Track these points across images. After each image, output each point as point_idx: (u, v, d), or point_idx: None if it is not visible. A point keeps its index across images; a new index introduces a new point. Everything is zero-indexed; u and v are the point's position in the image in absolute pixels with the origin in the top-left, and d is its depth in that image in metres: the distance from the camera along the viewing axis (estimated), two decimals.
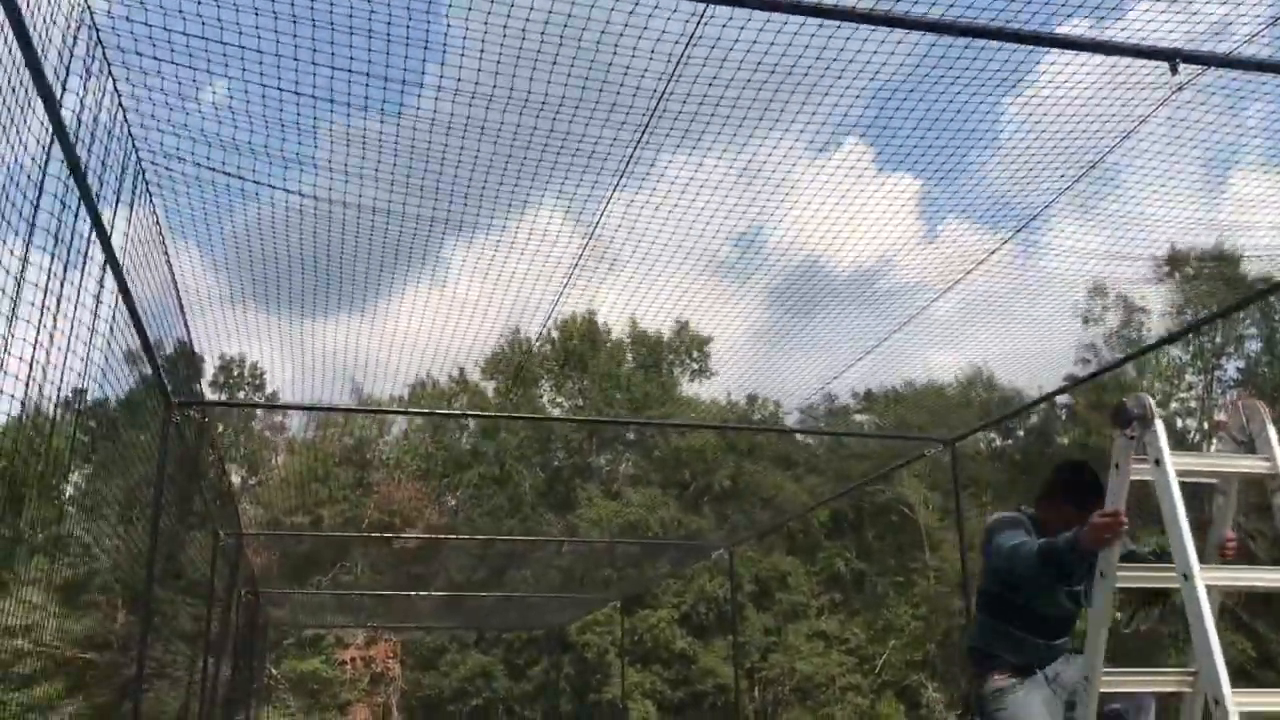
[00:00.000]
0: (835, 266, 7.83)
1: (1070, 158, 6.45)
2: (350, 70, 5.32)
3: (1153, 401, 3.37)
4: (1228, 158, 6.67)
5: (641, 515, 35.05)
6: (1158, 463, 3.15)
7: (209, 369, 38.14)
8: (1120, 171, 6.70)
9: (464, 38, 5.19)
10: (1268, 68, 5.56)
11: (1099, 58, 5.46)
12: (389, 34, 5.07)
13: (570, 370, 40.28)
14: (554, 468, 40.14)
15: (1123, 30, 5.38)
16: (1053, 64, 5.72)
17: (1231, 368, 37.30)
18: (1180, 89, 5.63)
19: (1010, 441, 42.52)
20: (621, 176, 6.63)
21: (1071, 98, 5.84)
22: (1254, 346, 36.66)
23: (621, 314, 11.09)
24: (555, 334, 39.45)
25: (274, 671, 31.06)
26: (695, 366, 40.44)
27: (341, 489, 37.90)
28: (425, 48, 5.26)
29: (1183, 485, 3.20)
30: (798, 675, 35.45)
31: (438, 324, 9.72)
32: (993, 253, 7.20)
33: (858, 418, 36.92)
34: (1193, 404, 38.33)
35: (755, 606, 36.25)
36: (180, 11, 4.55)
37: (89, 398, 7.02)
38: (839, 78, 5.61)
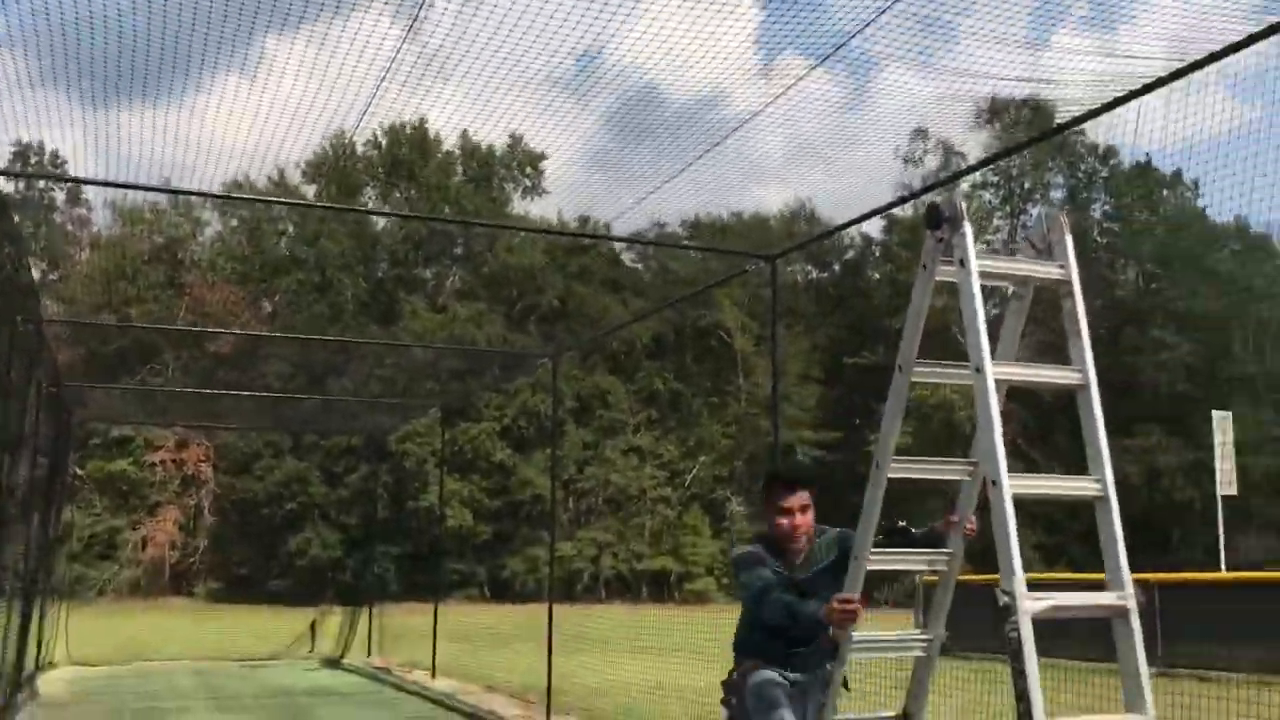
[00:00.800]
0: (673, 93, 7.82)
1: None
2: None
3: (964, 204, 3.56)
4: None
5: (467, 330, 35.02)
6: (962, 263, 3.36)
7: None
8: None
9: None
10: None
11: None
12: None
13: (397, 179, 39.13)
14: (377, 279, 39.39)
15: None
16: None
17: (1036, 213, 39.42)
18: None
19: (826, 274, 44.20)
20: None
21: None
22: (1058, 195, 38.73)
23: (454, 126, 10.82)
24: (383, 140, 38.10)
25: (80, 472, 30.14)
26: (528, 183, 39.92)
27: (150, 288, 36.20)
28: None
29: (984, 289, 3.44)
30: (611, 487, 36.87)
31: (257, 121, 9.27)
32: (812, 69, 7.30)
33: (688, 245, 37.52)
34: (997, 248, 40.38)
35: (575, 422, 37.19)
36: None
37: None
38: None
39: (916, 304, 3.61)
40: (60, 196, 37.26)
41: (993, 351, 3.31)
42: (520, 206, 39.99)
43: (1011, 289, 3.81)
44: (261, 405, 18.08)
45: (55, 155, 29.84)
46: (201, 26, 6.41)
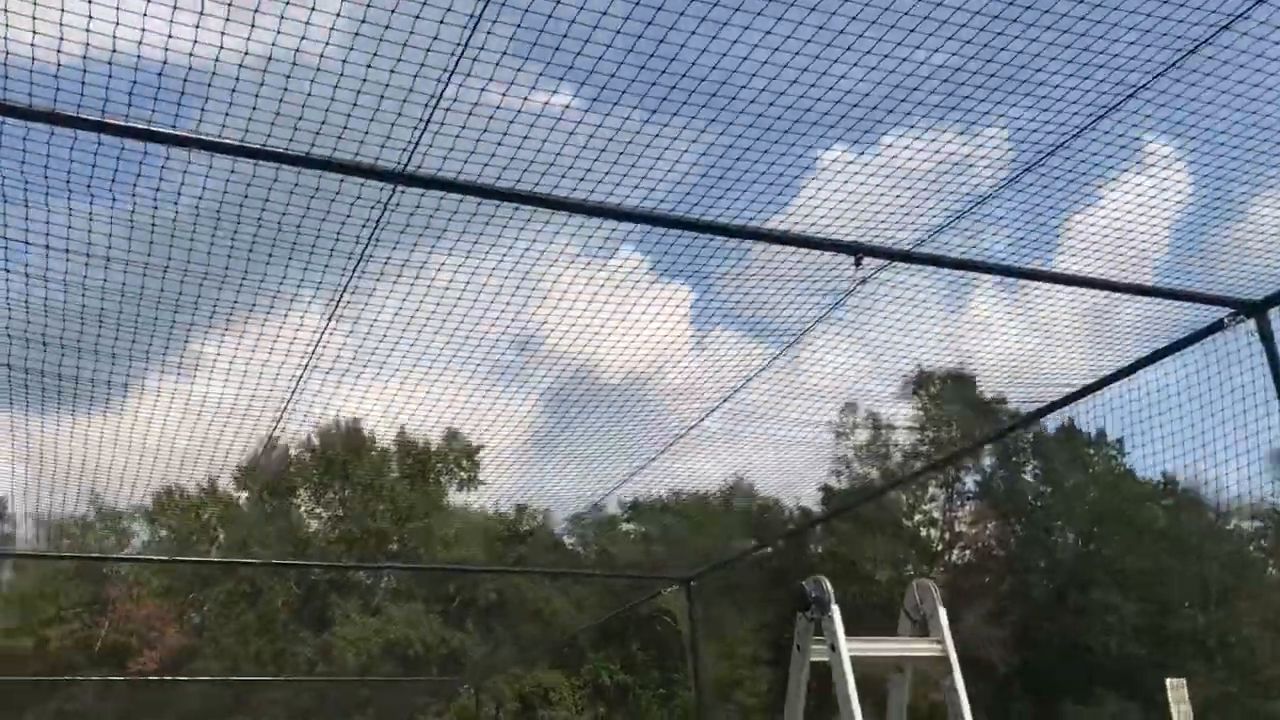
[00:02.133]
0: (607, 374, 7.92)
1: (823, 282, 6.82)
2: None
3: (829, 585, 3.44)
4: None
5: (403, 633, 33.74)
6: (833, 648, 3.22)
7: None
8: (876, 301, 7.12)
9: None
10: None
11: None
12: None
13: (331, 479, 38.77)
14: (310, 582, 38.21)
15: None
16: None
17: (970, 480, 39.94)
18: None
19: (770, 550, 43.82)
20: (354, 274, 6.46)
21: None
22: (988, 461, 39.47)
23: (388, 422, 10.77)
24: (316, 441, 37.99)
25: None
26: (464, 475, 39.75)
27: (73, 607, 34.70)
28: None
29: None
30: None
31: (184, 426, 9.14)
32: (761, 370, 7.48)
33: (625, 527, 37.22)
34: (935, 515, 40.72)
35: None
36: None
37: None
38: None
39: (793, 690, 3.48)
40: None
41: None
42: (457, 498, 39.65)
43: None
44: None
45: None
46: (128, 328, 6.43)
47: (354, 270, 6.25)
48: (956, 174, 5.90)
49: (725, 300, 6.97)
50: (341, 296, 6.57)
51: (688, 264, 6.56)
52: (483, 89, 4.99)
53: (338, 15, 4.53)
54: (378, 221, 5.78)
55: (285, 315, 6.74)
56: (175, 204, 5.57)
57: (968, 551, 39.80)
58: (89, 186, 5.27)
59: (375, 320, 6.89)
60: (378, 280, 6.39)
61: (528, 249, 6.35)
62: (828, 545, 40.48)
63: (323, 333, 7.12)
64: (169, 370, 7.63)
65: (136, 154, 5.15)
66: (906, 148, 5.66)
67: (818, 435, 11.50)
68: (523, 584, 37.30)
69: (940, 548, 40.49)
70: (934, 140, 5.66)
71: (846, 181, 5.78)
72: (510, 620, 34.60)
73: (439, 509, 37.99)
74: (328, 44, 4.71)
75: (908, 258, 6.19)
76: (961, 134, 5.74)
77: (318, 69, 4.77)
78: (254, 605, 35.70)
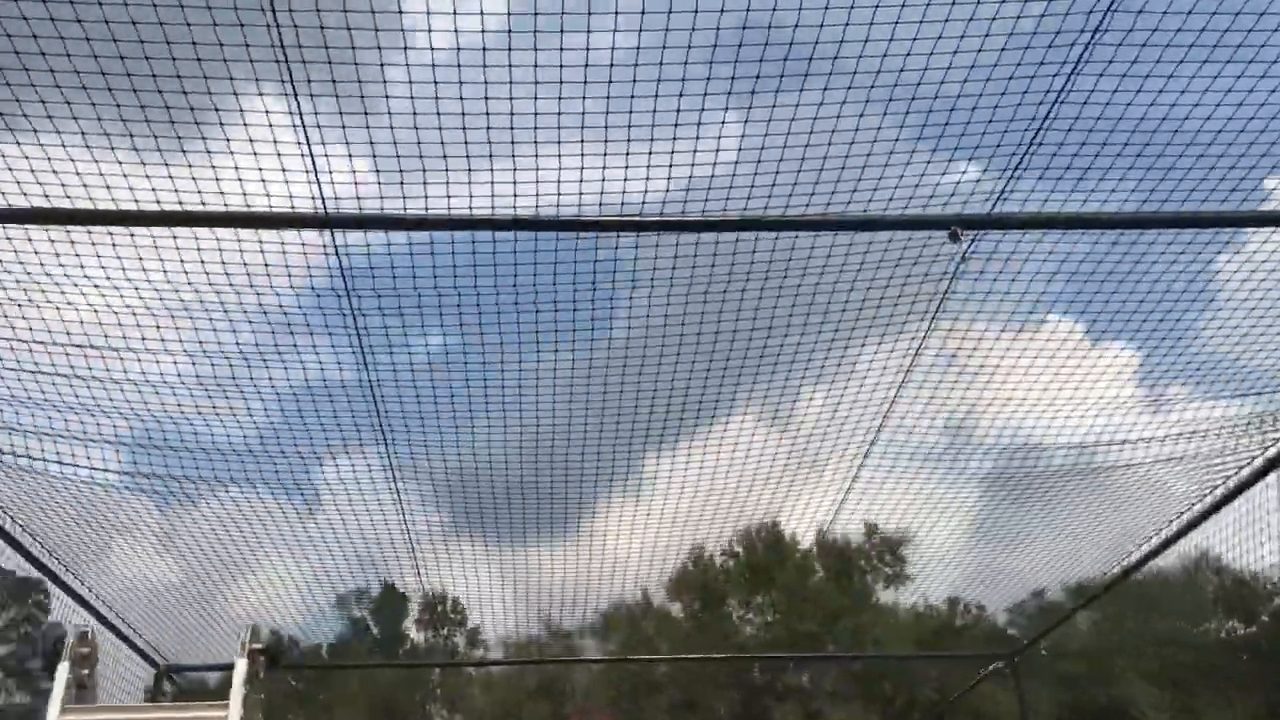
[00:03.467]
0: (1049, 450, 7.44)
1: None
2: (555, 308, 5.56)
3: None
4: None
5: None
6: None
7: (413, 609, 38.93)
8: None
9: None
10: None
11: None
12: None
13: (757, 585, 39.31)
14: (749, 686, 38.65)
15: None
16: None
17: None
18: None
19: (1254, 628, 37.99)
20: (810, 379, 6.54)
21: None
22: None
23: (808, 523, 10.76)
24: (739, 548, 38.80)
25: None
26: (889, 571, 38.84)
27: None
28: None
29: None
30: None
31: (633, 543, 9.61)
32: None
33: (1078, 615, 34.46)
34: None
35: None
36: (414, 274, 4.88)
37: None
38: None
39: None
40: (461, 641, 40.04)
41: None
42: (885, 596, 38.77)
43: None
44: None
45: (455, 603, 32.39)
46: (591, 455, 6.91)
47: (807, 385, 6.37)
48: None
49: (1180, 355, 6.36)
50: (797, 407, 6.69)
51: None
52: None
53: None
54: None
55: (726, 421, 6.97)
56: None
57: None
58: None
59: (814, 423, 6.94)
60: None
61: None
62: None
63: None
64: (622, 489, 8.11)
65: None
66: None
67: None
68: (967, 678, 35.50)
69: None
70: None
71: None
72: (959, 719, 32.95)
73: (868, 608, 37.30)
74: None
75: None
76: None
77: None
78: (695, 712, 36.60)
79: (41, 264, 4.93)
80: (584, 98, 4.26)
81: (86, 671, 2.84)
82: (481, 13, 3.97)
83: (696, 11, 4.02)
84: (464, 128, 4.35)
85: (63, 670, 2.71)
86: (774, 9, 4.04)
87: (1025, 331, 5.86)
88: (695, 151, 4.60)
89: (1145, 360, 6.43)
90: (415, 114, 4.31)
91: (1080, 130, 4.52)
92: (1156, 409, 6.89)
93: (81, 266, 4.94)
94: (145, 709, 2.71)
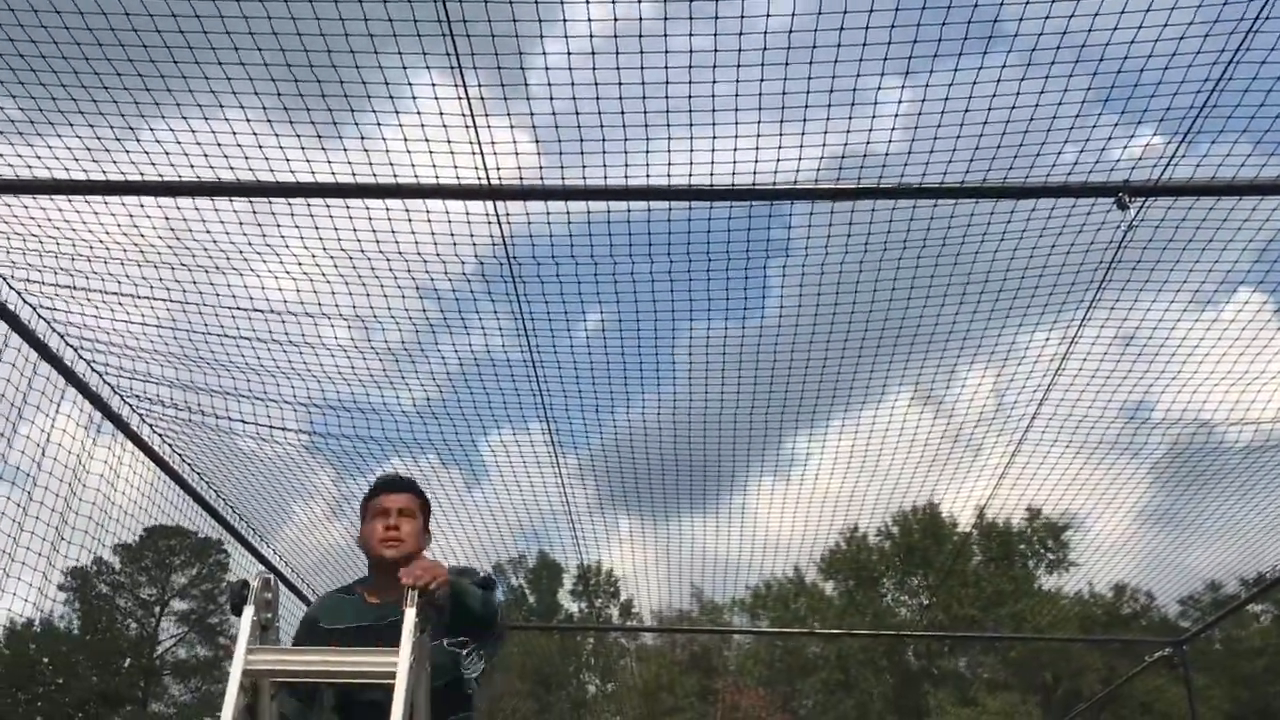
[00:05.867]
0: (1232, 431, 7.08)
1: None
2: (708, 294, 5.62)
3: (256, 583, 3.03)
4: None
5: None
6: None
7: (567, 579, 39.83)
8: None
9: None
10: None
11: None
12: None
13: (913, 567, 38.63)
14: (904, 672, 38.10)
15: None
16: None
17: None
18: None
19: None
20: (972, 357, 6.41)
21: None
22: None
23: (966, 504, 10.49)
24: (894, 529, 38.19)
25: None
26: (1051, 557, 37.56)
27: (686, 697, 37.80)
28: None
29: None
30: None
31: (784, 521, 9.60)
32: None
33: (1253, 608, 32.73)
34: None
35: None
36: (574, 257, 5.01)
37: None
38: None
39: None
40: (614, 613, 40.76)
41: None
42: (1048, 581, 37.52)
43: None
44: None
45: (609, 575, 32.99)
46: (743, 430, 6.95)
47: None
48: None
49: None
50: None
51: None
52: None
53: None
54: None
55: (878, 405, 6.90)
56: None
57: None
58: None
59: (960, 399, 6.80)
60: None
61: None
62: None
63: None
64: (769, 465, 8.11)
65: None
66: None
67: None
68: (1133, 668, 34.08)
69: None
70: None
71: None
72: (1123, 712, 31.74)
73: (1028, 594, 36.21)
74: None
75: None
76: None
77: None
78: (850, 694, 36.32)
79: (228, 234, 5.25)
80: (738, 65, 4.27)
81: (270, 615, 3.07)
82: None
83: None
84: (620, 98, 4.43)
85: (248, 613, 2.94)
86: None
87: (1195, 304, 5.59)
88: (850, 119, 4.57)
89: None
90: (573, 84, 4.41)
91: (1258, 91, 4.27)
92: None
93: (264, 236, 5.25)
94: (323, 651, 2.90)
